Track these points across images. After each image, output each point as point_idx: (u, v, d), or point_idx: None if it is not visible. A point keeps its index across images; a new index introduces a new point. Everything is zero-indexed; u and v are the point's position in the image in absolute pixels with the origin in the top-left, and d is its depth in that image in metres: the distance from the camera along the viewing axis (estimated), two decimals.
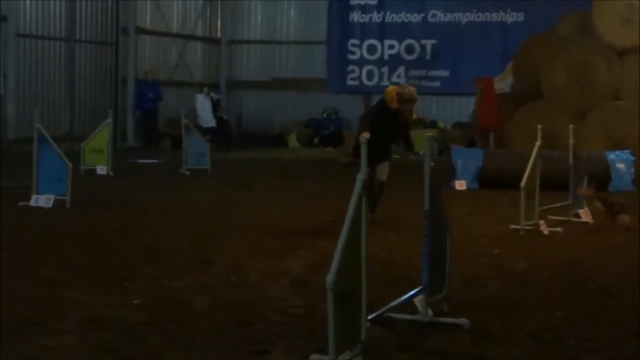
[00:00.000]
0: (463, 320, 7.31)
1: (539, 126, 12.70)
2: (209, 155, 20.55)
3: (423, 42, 29.63)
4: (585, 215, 13.35)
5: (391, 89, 13.07)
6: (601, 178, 17.40)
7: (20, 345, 6.57)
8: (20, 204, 13.74)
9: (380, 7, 30.09)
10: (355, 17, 30.36)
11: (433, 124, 28.21)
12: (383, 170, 12.77)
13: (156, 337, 6.91)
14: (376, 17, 30.16)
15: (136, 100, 27.49)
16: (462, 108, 27.57)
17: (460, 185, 18.04)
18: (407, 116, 12.85)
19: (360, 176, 6.09)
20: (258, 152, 26.87)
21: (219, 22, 31.87)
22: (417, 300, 7.40)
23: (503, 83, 24.33)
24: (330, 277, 5.63)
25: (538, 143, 12.59)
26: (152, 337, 6.89)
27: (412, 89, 13.13)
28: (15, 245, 10.63)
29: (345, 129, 28.72)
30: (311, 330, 6.99)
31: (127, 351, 6.52)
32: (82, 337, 6.86)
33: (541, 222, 12.43)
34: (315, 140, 29.68)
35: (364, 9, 30.27)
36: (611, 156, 18.58)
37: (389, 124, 12.66)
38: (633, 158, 18.60)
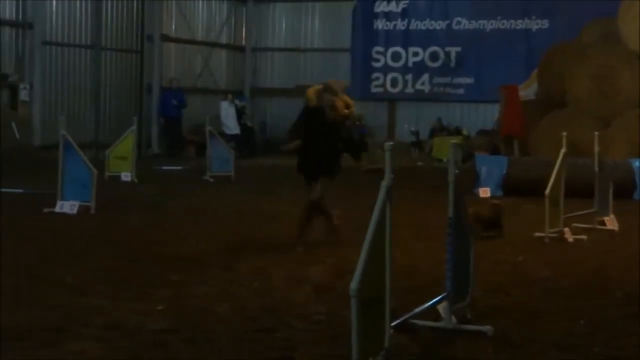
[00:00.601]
0: (487, 328, 7.28)
1: (564, 133, 12.65)
2: (233, 162, 20.60)
3: (447, 49, 29.62)
4: (610, 223, 13.28)
5: (311, 88, 11.86)
6: (626, 186, 17.33)
7: (44, 351, 6.59)
8: (45, 210, 13.81)
9: (404, 15, 30.10)
10: (380, 24, 30.38)
11: (457, 131, 28.17)
12: (316, 188, 11.25)
13: (179, 343, 6.92)
14: (400, 24, 30.17)
15: (161, 108, 27.61)
16: (487, 115, 27.50)
17: (484, 192, 17.97)
18: (334, 112, 11.32)
19: (385, 183, 6.07)
20: (282, 159, 26.86)
21: (243, 30, 31.97)
22: (441, 308, 7.38)
23: (528, 90, 24.26)
24: (353, 284, 5.62)
25: (563, 150, 12.54)
26: (174, 344, 6.90)
27: (339, 80, 12.14)
28: (40, 251, 10.69)
29: (369, 136, 28.69)
30: (334, 337, 6.98)
31: (150, 357, 6.53)
32: (105, 343, 6.88)
33: (566, 229, 12.37)
34: (339, 147, 29.67)
35: (388, 16, 30.29)
36: (636, 163, 18.47)
37: (317, 127, 11.26)
38: None
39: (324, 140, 11.23)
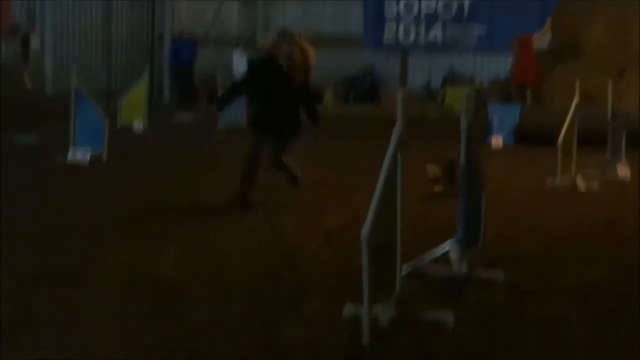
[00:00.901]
0: (498, 274, 7.31)
1: (577, 82, 12.59)
2: (245, 112, 20.57)
3: None
4: (623, 172, 13.27)
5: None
6: (639, 135, 17.26)
7: (58, 300, 6.65)
8: (58, 158, 13.85)
9: None
10: None
11: (470, 81, 28.05)
12: (284, 146, 10.55)
13: (192, 291, 6.97)
14: None
15: (172, 57, 27.54)
16: (500, 65, 27.33)
17: (496, 141, 17.97)
18: (290, 63, 10.16)
19: (396, 130, 6.06)
20: None
21: None
22: (452, 254, 7.41)
23: (542, 40, 24.09)
24: (364, 230, 5.64)
25: (576, 99, 12.49)
26: (188, 292, 6.95)
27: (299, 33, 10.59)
28: (53, 199, 10.74)
29: (381, 85, 28.63)
30: (346, 282, 7.02)
31: (163, 306, 6.58)
32: (119, 290, 6.94)
33: (578, 178, 12.36)
34: (351, 97, 29.60)
35: None
36: None
37: (270, 81, 10.19)
38: None
39: (280, 96, 10.19)
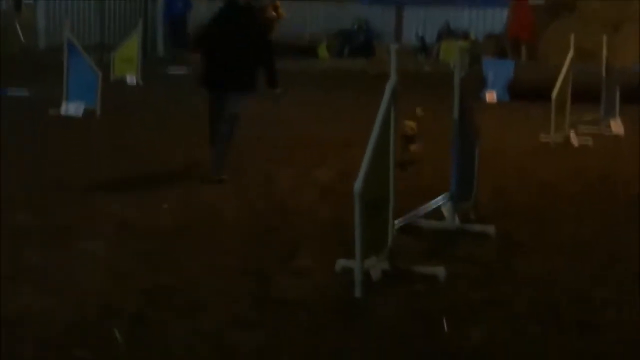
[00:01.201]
0: (490, 228, 7.35)
1: (572, 37, 12.55)
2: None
3: None
4: (616, 128, 13.28)
5: None
6: (634, 91, 17.24)
7: (54, 250, 6.68)
8: (51, 112, 13.82)
9: None
10: None
11: (465, 36, 27.92)
12: (236, 100, 9.45)
13: (186, 242, 7.01)
14: None
15: (166, 10, 27.36)
16: (495, 20, 27.19)
17: (490, 96, 17.94)
18: (263, 16, 9.69)
19: (390, 84, 6.06)
20: (288, 63, 26.73)
21: None
22: (445, 208, 7.44)
23: None
24: (357, 184, 5.66)
25: (570, 54, 12.46)
26: (181, 243, 6.99)
27: None
28: (47, 153, 10.74)
29: (376, 39, 28.53)
30: (340, 236, 7.06)
31: (157, 256, 6.62)
32: (113, 242, 6.97)
33: (572, 133, 12.37)
34: (346, 51, 29.48)
35: None
36: None
37: (239, 28, 9.37)
38: None
39: (250, 48, 9.31)
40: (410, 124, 9.73)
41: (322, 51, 29.45)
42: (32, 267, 6.22)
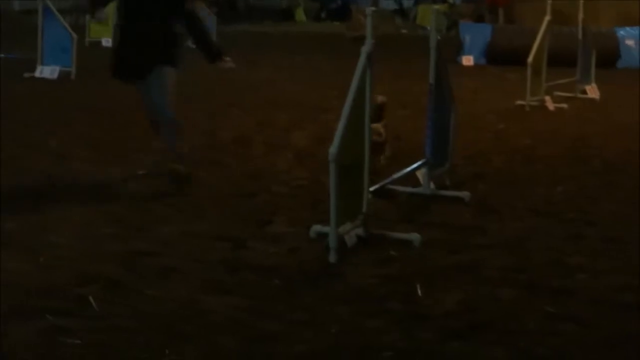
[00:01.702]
0: (464, 194, 7.38)
1: (549, 1, 12.55)
2: (215, 29, 20.37)
3: None
4: (592, 92, 13.32)
5: None
6: (610, 55, 17.28)
7: (29, 216, 6.66)
8: (26, 75, 13.72)
9: None
10: None
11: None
12: (158, 86, 7.67)
13: (161, 207, 6.99)
14: None
15: None
16: None
17: (467, 60, 17.95)
18: None
19: (365, 48, 6.04)
20: (265, 26, 26.63)
21: None
22: (420, 174, 7.45)
23: None
24: (332, 149, 5.66)
25: (547, 18, 12.46)
26: (157, 208, 6.98)
27: None
28: (22, 116, 10.67)
29: (353, 3, 28.43)
30: (314, 202, 7.07)
31: (133, 221, 6.61)
32: (89, 207, 6.94)
33: (547, 98, 12.41)
34: (323, 15, 29.40)
35: None
36: (621, 32, 18.41)
37: None
38: None
39: (167, 15, 7.75)
40: (377, 128, 7.87)
41: (299, 14, 29.34)
42: (4, 232, 6.20)
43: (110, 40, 18.77)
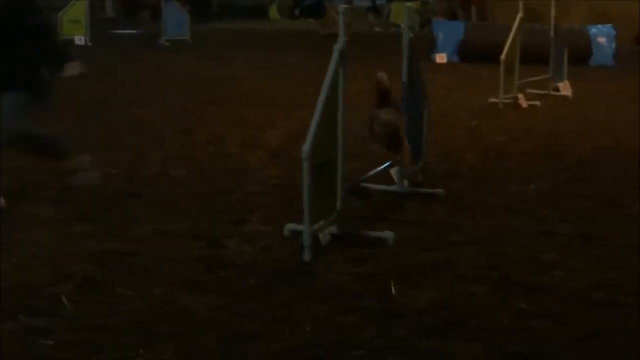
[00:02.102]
0: (439, 191, 7.40)
1: None
2: (188, 26, 20.34)
3: None
4: (564, 89, 13.39)
5: None
6: (582, 52, 17.39)
7: (10, 212, 6.62)
8: None
9: None
10: None
11: None
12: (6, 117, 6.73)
13: (135, 206, 6.97)
14: None
15: None
16: None
17: (440, 58, 18.01)
18: None
19: (338, 46, 6.05)
20: (238, 24, 26.59)
21: None
22: (393, 172, 7.46)
23: None
24: (305, 147, 5.66)
25: (520, 15, 12.52)
26: (131, 206, 6.95)
27: None
28: None
29: (326, 0, 28.43)
30: (289, 200, 7.07)
31: (105, 219, 6.58)
32: (61, 205, 6.91)
33: (520, 95, 12.47)
34: (297, 12, 29.40)
35: None
36: (593, 30, 18.52)
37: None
38: (615, 32, 18.55)
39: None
40: (382, 77, 7.25)
41: (273, 12, 29.33)
42: None
43: (83, 38, 18.72)
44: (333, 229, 6.12)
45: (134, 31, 22.61)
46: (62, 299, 4.96)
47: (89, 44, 18.61)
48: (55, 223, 6.47)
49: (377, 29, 25.59)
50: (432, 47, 18.17)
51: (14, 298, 4.99)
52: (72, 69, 7.06)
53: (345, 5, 6.92)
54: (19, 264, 5.58)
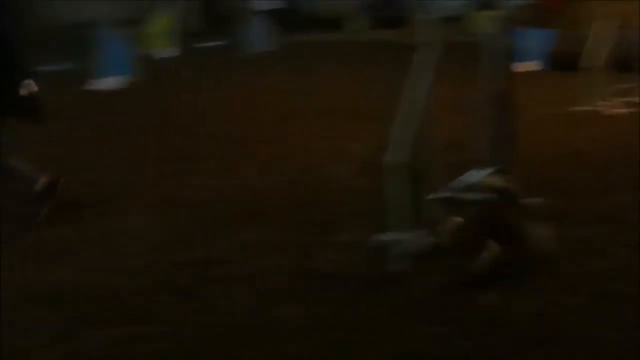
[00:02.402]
0: (538, 200, 7.29)
1: (606, 5, 12.45)
2: (273, 39, 20.51)
3: None
4: None
5: None
6: None
7: (101, 223, 6.76)
8: (85, 86, 13.92)
9: None
10: None
11: (498, 5, 27.72)
12: None
13: (224, 215, 7.05)
14: None
15: None
16: None
17: (527, 66, 17.85)
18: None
19: (420, 56, 6.04)
20: (316, 36, 26.71)
21: None
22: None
23: None
24: (389, 156, 5.66)
25: (607, 23, 12.36)
26: (219, 216, 7.04)
27: None
28: (87, 127, 10.83)
29: (405, 11, 28.38)
30: (376, 210, 7.07)
31: (196, 229, 6.67)
32: (154, 215, 7.03)
33: (607, 103, 12.29)
34: (374, 23, 29.39)
35: None
36: None
37: None
38: None
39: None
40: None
41: (350, 24, 29.39)
42: (74, 241, 6.30)
43: (169, 51, 19.00)
44: (422, 238, 6.11)
45: (219, 43, 22.85)
46: (158, 308, 5.05)
47: (175, 56, 18.88)
48: (150, 232, 6.59)
49: (460, 38, 25.49)
50: (518, 55, 18.02)
51: (110, 306, 5.09)
52: (27, 87, 6.77)
53: (427, 15, 6.91)
54: (113, 272, 5.69)
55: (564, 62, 16.92)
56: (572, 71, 14.99)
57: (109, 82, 13.99)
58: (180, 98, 13.32)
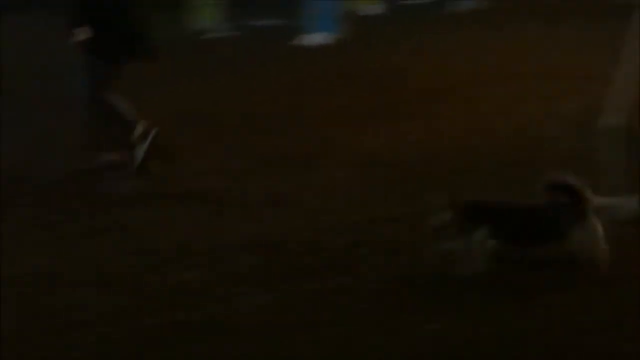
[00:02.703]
0: None
1: None
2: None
3: None
4: None
5: None
6: None
7: (295, 176, 6.90)
8: (292, 42, 14.12)
9: None
10: None
11: None
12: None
13: (432, 172, 7.07)
14: None
15: None
16: None
17: None
18: None
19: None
20: None
21: None
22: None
23: None
24: (605, 119, 5.48)
25: None
26: (427, 172, 7.05)
27: None
28: (289, 82, 11.02)
29: None
30: (586, 170, 6.86)
31: (405, 184, 6.71)
32: (358, 170, 7.12)
33: None
34: None
35: None
36: None
37: None
38: None
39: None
40: None
41: None
42: (282, 193, 6.47)
43: (378, 7, 18.95)
44: (631, 204, 5.86)
45: (423, 1, 22.64)
46: (358, 261, 5.12)
47: (384, 13, 18.78)
48: (353, 187, 6.65)
49: None
50: None
51: (312, 257, 5.19)
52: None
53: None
54: (319, 226, 5.78)
55: None
56: None
57: (316, 38, 14.13)
58: (386, 55, 13.33)
